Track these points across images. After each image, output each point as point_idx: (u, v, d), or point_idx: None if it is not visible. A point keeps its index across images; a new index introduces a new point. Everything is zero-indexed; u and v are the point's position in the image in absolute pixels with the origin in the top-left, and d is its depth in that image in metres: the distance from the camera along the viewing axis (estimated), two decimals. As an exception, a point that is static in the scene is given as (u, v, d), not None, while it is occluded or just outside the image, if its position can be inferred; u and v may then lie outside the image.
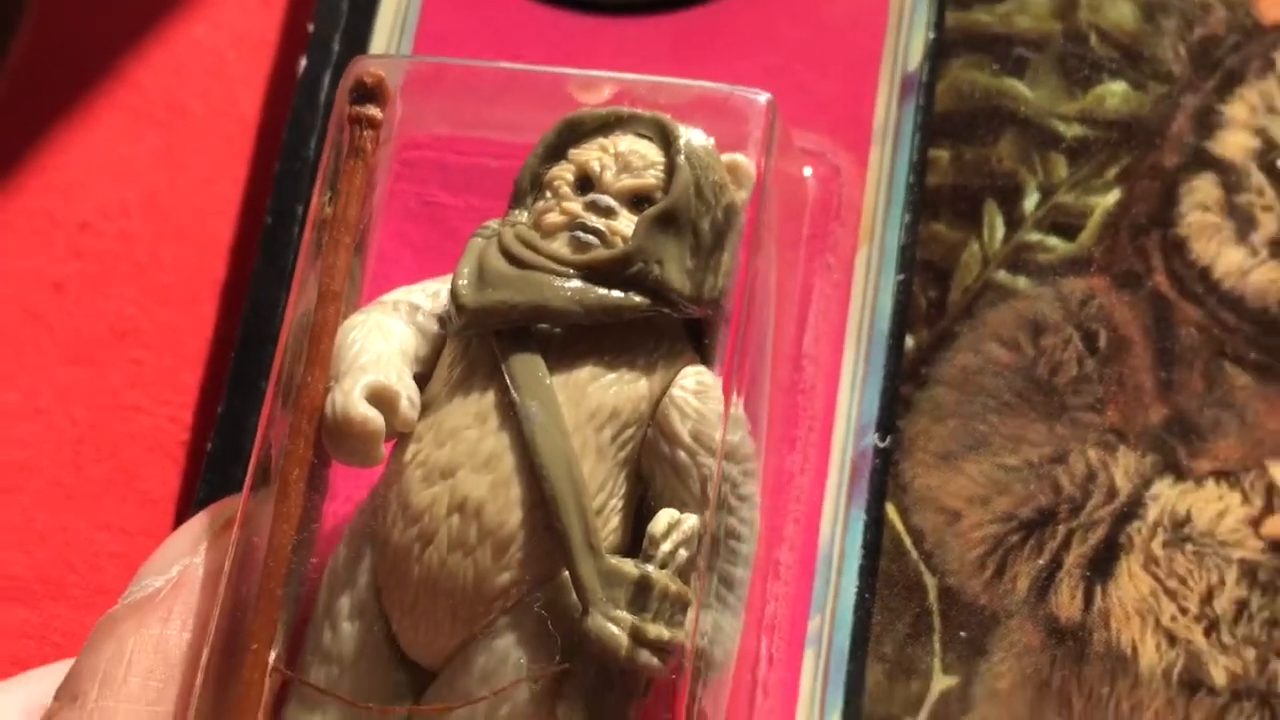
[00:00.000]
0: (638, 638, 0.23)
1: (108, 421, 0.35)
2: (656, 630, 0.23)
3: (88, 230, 0.37)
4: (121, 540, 0.33)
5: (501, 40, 0.33)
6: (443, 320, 0.26)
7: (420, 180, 0.31)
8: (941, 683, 0.27)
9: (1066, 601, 0.27)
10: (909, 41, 0.31)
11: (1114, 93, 0.30)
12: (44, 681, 0.25)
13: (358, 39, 0.33)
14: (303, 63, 0.33)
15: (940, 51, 0.31)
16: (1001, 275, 0.29)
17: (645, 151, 0.26)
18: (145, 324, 0.36)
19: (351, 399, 0.24)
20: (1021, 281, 0.29)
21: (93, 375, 0.35)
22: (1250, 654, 0.26)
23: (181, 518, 0.33)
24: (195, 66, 0.39)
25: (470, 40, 0.33)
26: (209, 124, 0.38)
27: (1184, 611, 0.27)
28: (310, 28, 0.33)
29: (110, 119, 0.38)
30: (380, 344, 0.25)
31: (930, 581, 0.27)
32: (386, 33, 0.33)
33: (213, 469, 0.30)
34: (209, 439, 0.32)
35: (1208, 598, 0.27)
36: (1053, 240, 0.30)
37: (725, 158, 0.26)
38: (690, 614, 0.24)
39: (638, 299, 0.25)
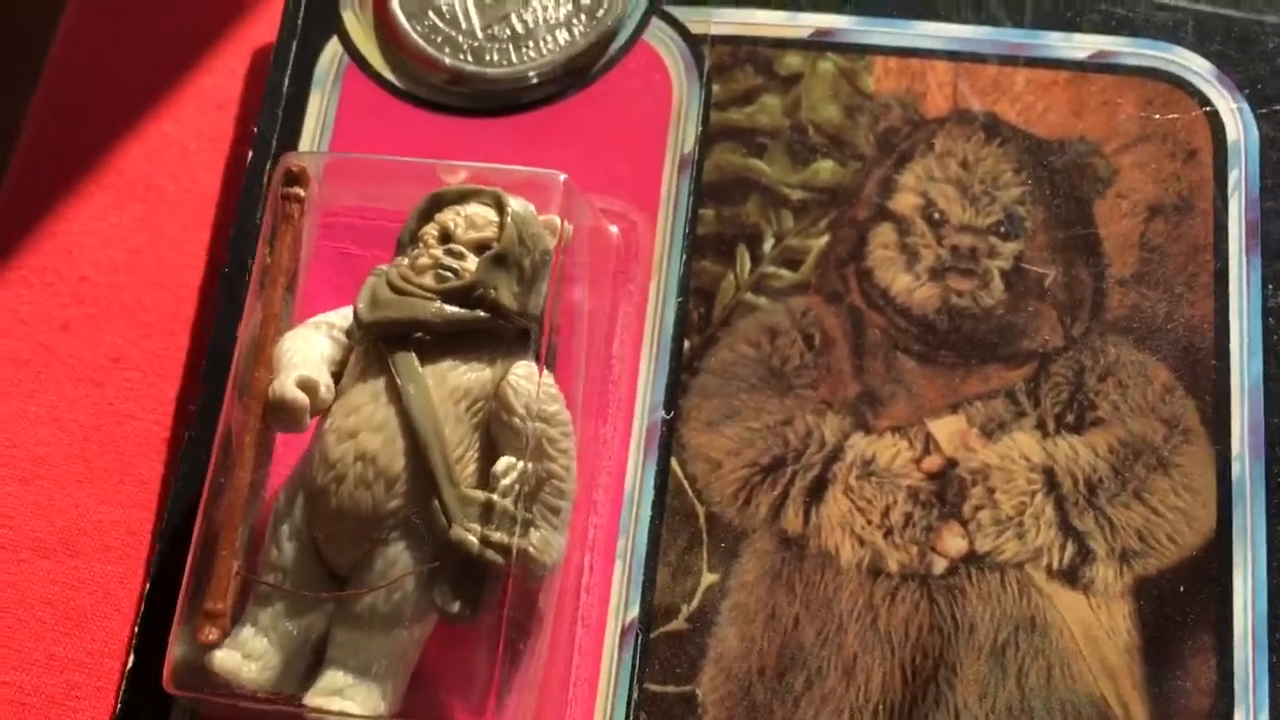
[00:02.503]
0: (485, 541, 0.32)
1: (107, 426, 0.40)
2: (498, 536, 0.32)
3: (86, 282, 0.43)
4: (120, 512, 0.39)
5: (393, 136, 0.40)
6: (350, 333, 0.34)
7: (337, 238, 0.37)
8: (708, 579, 0.35)
9: (792, 519, 0.35)
10: (685, 134, 0.39)
11: (825, 168, 0.38)
12: None
13: (290, 137, 0.40)
14: (249, 155, 0.40)
15: (707, 140, 0.39)
16: (749, 296, 0.37)
17: (486, 214, 0.34)
18: (134, 352, 0.41)
19: (286, 385, 0.32)
20: (763, 300, 0.37)
21: (94, 392, 0.41)
22: (914, 550, 0.35)
23: (165, 496, 0.39)
24: (165, 155, 0.45)
25: (370, 136, 0.40)
26: (177, 199, 0.44)
27: (870, 522, 0.35)
28: (255, 129, 0.40)
29: (100, 196, 0.44)
30: (307, 350, 0.33)
31: (700, 510, 0.36)
32: (311, 133, 0.40)
33: (189, 449, 0.37)
34: (186, 432, 0.38)
35: (886, 513, 0.35)
36: (784, 271, 0.38)
37: (542, 217, 0.34)
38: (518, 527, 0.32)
39: (480, 314, 0.33)
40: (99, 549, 0.39)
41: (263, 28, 0.47)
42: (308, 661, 0.33)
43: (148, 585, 0.37)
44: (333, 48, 0.42)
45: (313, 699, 0.32)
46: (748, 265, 0.38)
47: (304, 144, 0.40)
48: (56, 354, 0.42)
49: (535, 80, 0.40)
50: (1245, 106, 0.38)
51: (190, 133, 0.46)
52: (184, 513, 0.37)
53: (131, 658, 0.36)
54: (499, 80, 0.40)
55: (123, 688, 0.36)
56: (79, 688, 0.37)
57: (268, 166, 0.40)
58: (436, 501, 0.32)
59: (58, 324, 0.43)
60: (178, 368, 0.42)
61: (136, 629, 0.36)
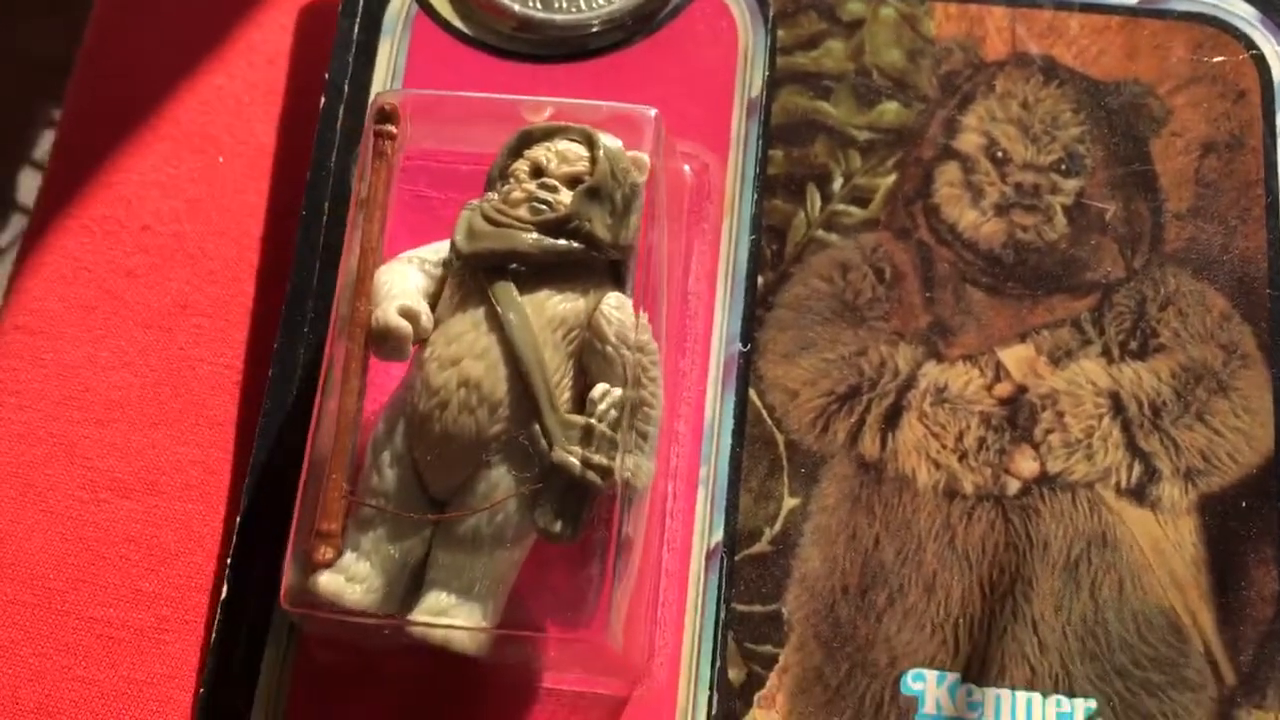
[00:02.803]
0: (586, 463, 0.32)
1: (178, 370, 0.41)
2: (598, 459, 0.32)
3: (148, 231, 0.43)
4: (197, 452, 0.40)
5: (462, 82, 0.41)
6: (443, 266, 0.35)
7: (412, 181, 0.38)
8: (789, 503, 0.36)
9: (870, 444, 0.37)
10: (752, 78, 0.40)
11: (890, 110, 0.40)
12: None
13: (360, 84, 0.41)
14: (322, 100, 0.41)
15: (773, 84, 0.40)
16: (820, 233, 0.39)
17: (577, 150, 0.34)
18: (200, 299, 0.42)
19: (390, 314, 0.33)
20: (834, 237, 0.39)
21: (164, 338, 0.41)
22: (987, 472, 0.36)
23: (241, 436, 0.40)
24: (219, 107, 0.45)
25: (440, 83, 0.41)
26: (234, 151, 0.45)
27: (945, 447, 0.37)
28: (326, 76, 0.41)
29: (158, 147, 0.45)
30: (404, 282, 0.34)
31: (779, 438, 0.37)
32: (381, 80, 0.41)
33: (273, 387, 0.38)
34: (265, 372, 0.39)
35: (960, 437, 0.37)
36: (853, 209, 0.39)
37: (630, 153, 0.35)
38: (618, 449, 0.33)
39: (575, 245, 0.33)
40: (179, 488, 0.40)
41: (309, -17, 0.48)
42: (407, 585, 0.34)
43: (240, 517, 0.37)
44: (400, -4, 0.42)
45: (418, 618, 0.33)
46: (818, 203, 0.39)
47: (376, 89, 0.41)
48: (124, 301, 0.43)
49: (602, 27, 0.41)
50: (1289, 50, 0.40)
51: (243, 86, 0.46)
52: (270, 447, 0.38)
53: (225, 588, 0.37)
54: (567, 27, 0.41)
55: (218, 618, 0.36)
56: (167, 621, 0.38)
57: (340, 111, 0.41)
58: (538, 426, 0.33)
59: (123, 272, 0.43)
60: (245, 313, 0.42)
61: (230, 559, 0.37)
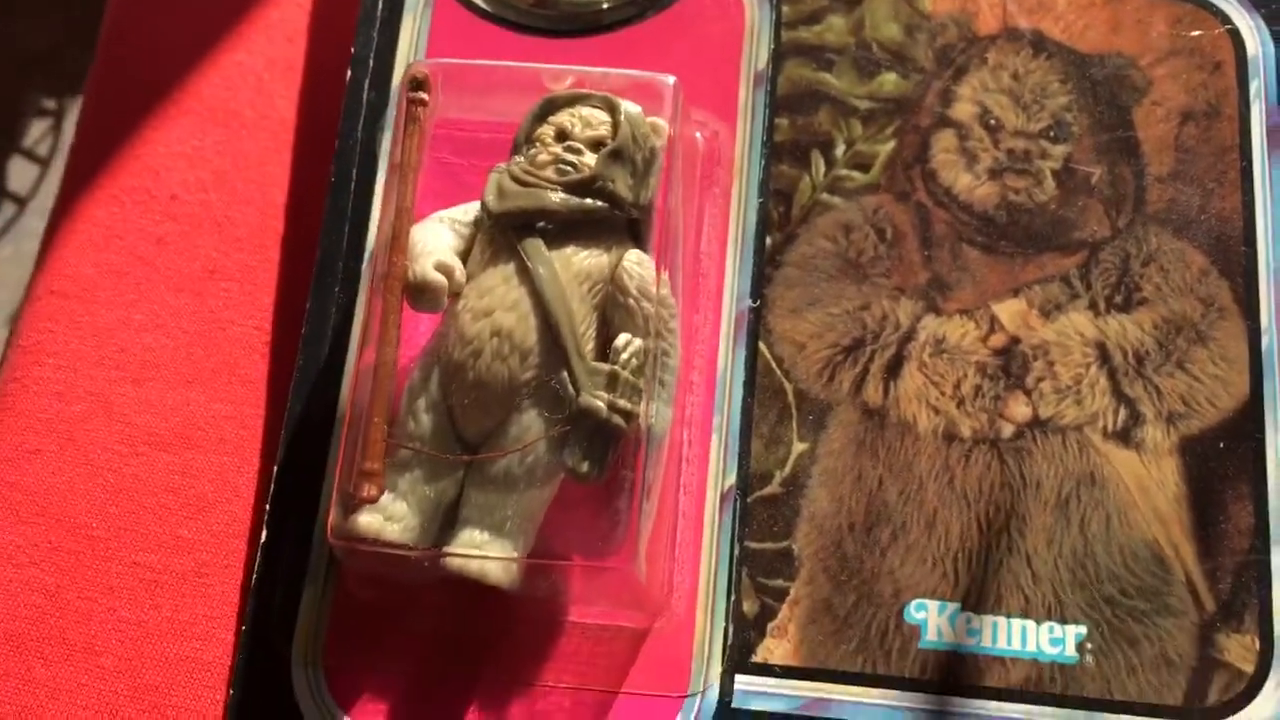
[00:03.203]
0: (611, 407, 0.34)
1: (209, 331, 0.43)
2: (622, 403, 0.34)
3: (176, 200, 0.45)
4: (230, 408, 0.42)
5: (482, 55, 0.42)
6: (472, 225, 0.37)
7: (436, 149, 0.39)
8: (798, 448, 0.38)
9: (873, 392, 0.39)
10: (759, 51, 0.42)
11: (889, 81, 0.42)
12: None
13: (385, 57, 0.43)
14: (349, 74, 0.42)
15: (779, 57, 0.42)
16: (824, 196, 0.41)
17: (599, 115, 0.36)
18: (228, 265, 0.44)
19: (427, 269, 0.35)
20: (837, 200, 0.41)
21: (194, 301, 0.43)
22: (984, 417, 0.39)
23: (272, 393, 0.42)
24: (241, 83, 0.47)
25: (461, 56, 0.42)
26: (256, 124, 0.46)
27: (943, 394, 0.39)
28: (352, 50, 0.42)
29: (182, 121, 0.46)
30: (437, 240, 0.36)
31: (788, 387, 0.39)
32: (405, 53, 0.43)
33: (306, 345, 0.39)
34: (291, 332, 0.41)
35: (957, 385, 0.39)
36: (855, 174, 0.41)
37: (649, 119, 0.37)
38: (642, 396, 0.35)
39: (600, 204, 0.36)
40: (214, 441, 0.42)
41: (324, -36, 0.49)
42: (440, 524, 0.36)
43: (277, 466, 0.39)
44: (420, -27, 0.44)
45: (453, 554, 0.35)
46: (822, 169, 0.41)
47: (400, 63, 0.43)
48: (155, 267, 0.44)
49: (615, 3, 0.43)
50: (1261, 24, 0.42)
51: (263, 62, 0.48)
52: (304, 402, 0.40)
53: (265, 533, 0.38)
54: (581, 3, 0.43)
55: (258, 562, 0.38)
56: (207, 565, 0.40)
57: (366, 83, 0.43)
58: (566, 372, 0.35)
59: (153, 239, 0.45)
60: (271, 278, 0.44)
61: (269, 505, 0.38)
